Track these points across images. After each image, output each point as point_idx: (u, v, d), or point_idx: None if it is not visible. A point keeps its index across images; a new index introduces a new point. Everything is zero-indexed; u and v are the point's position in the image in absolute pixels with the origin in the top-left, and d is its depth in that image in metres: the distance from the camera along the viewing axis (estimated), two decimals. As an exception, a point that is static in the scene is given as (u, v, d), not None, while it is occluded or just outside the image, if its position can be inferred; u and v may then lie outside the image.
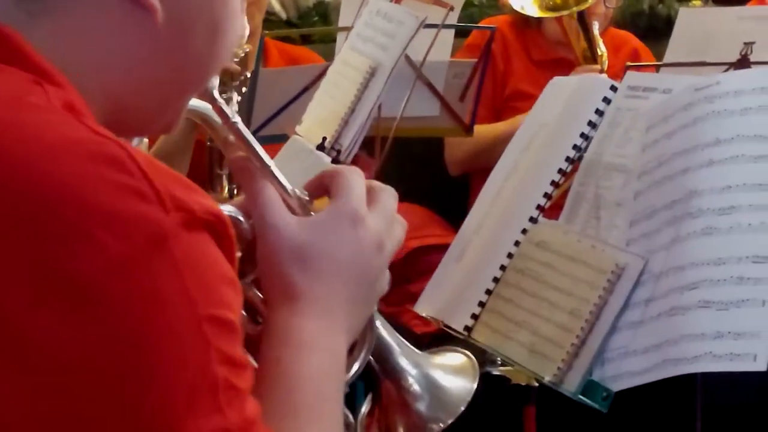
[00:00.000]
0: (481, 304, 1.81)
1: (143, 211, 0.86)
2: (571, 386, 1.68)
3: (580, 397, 1.68)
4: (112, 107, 1.00)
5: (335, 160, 2.32)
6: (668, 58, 2.83)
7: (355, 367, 1.15)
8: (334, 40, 3.12)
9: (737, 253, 1.65)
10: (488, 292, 1.81)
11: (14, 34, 0.95)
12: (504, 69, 3.23)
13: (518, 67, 3.29)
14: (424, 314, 1.92)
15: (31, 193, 0.86)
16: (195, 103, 1.11)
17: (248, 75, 2.66)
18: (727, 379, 2.09)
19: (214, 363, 0.88)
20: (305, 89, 2.59)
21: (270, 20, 3.97)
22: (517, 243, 1.83)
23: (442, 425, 1.22)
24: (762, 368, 1.57)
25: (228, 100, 2.59)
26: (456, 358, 1.31)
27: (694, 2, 3.91)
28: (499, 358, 1.92)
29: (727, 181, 1.69)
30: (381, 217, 1.11)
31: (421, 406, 1.23)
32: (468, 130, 2.82)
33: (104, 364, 0.85)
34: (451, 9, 2.64)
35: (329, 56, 2.65)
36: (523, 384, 1.93)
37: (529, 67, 3.28)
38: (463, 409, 1.24)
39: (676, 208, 1.72)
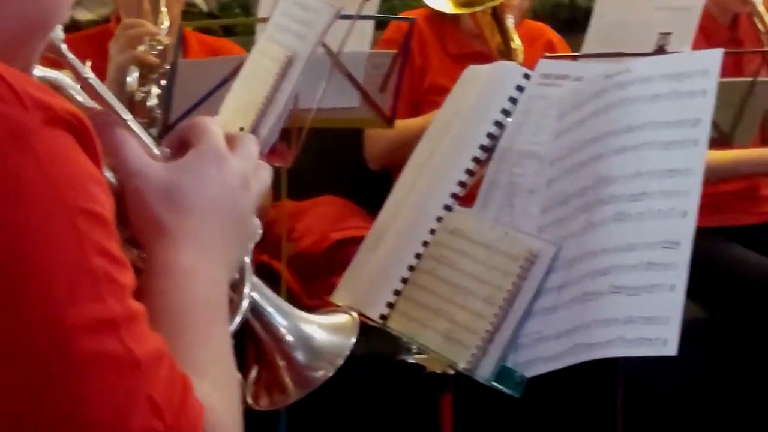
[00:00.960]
0: (397, 293, 1.80)
1: (6, 110, 0.86)
2: (485, 373, 1.68)
3: (494, 383, 1.69)
4: None
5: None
6: (586, 49, 2.82)
7: (238, 317, 1.16)
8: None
9: (648, 239, 1.66)
10: (404, 280, 1.81)
11: None
12: (421, 63, 3.20)
13: (435, 62, 3.27)
14: (340, 304, 1.90)
15: None
16: (48, 72, 1.08)
17: (168, 68, 2.62)
18: (649, 367, 2.13)
19: (91, 254, 0.88)
20: (224, 81, 2.49)
21: (190, 12, 3.88)
22: (432, 231, 1.81)
23: (323, 373, 1.24)
24: (672, 353, 1.57)
25: (147, 93, 2.57)
26: (337, 317, 1.35)
27: None
28: (414, 346, 1.89)
29: (638, 168, 1.69)
30: (244, 159, 1.11)
31: (299, 356, 1.25)
32: (389, 122, 2.75)
33: None
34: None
35: (250, 48, 2.56)
36: (439, 372, 1.88)
37: (446, 61, 3.23)
38: (341, 361, 1.26)
39: (588, 195, 1.72)
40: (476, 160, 1.83)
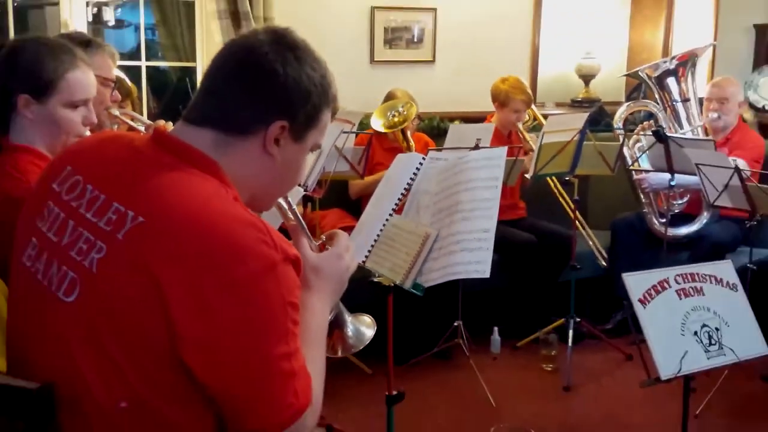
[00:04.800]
0: (369, 251, 2.26)
1: (269, 252, 1.13)
2: (407, 284, 2.19)
3: (411, 289, 2.20)
4: (248, 201, 1.23)
5: (305, 190, 2.84)
6: (446, 145, 3.62)
7: (330, 318, 1.41)
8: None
9: (476, 227, 2.21)
10: (372, 246, 2.25)
11: (215, 162, 1.23)
12: (372, 152, 3.77)
13: (378, 151, 4.03)
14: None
15: (222, 238, 1.12)
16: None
17: None
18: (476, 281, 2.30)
19: (289, 324, 1.15)
20: None
21: None
22: (384, 224, 2.25)
23: (356, 348, 1.55)
24: (487, 276, 2.11)
25: None
26: (367, 318, 1.62)
27: (457, 122, 4.48)
28: (377, 273, 2.27)
29: (473, 197, 2.25)
30: (350, 257, 1.39)
31: (350, 340, 1.55)
32: (362, 177, 3.59)
33: (247, 320, 1.11)
34: (353, 124, 3.41)
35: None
36: (387, 284, 2.27)
37: (382, 151, 4.05)
38: (368, 341, 1.55)
39: (451, 209, 2.26)
40: (402, 194, 2.30)
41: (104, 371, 1.14)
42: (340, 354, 1.53)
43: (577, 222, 3.96)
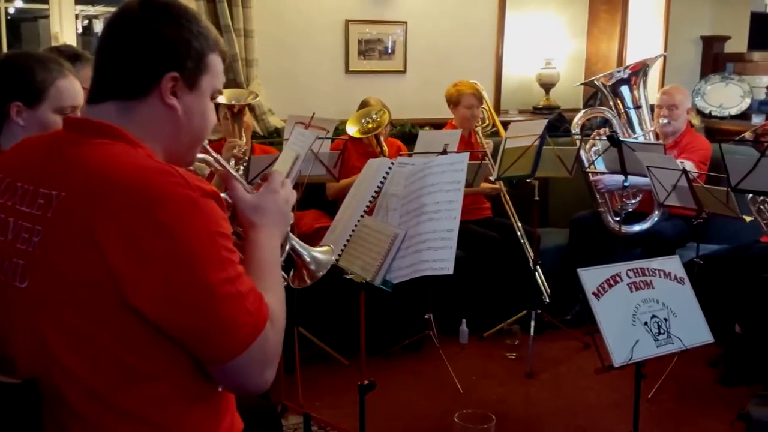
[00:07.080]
0: (342, 249, 2.25)
1: (185, 191, 1.13)
2: (378, 281, 2.22)
3: (381, 285, 2.21)
4: (167, 159, 1.24)
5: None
6: (416, 149, 3.61)
7: (283, 255, 1.39)
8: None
9: (440, 227, 2.21)
10: (345, 244, 2.26)
11: (119, 128, 1.23)
12: (348, 156, 3.78)
13: (353, 155, 4.02)
14: (320, 254, 1.94)
15: (138, 188, 1.13)
16: (200, 155, 1.36)
17: (246, 159, 3.17)
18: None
19: (222, 250, 1.14)
20: (270, 164, 3.14)
21: (255, 134, 4.04)
22: (356, 224, 2.27)
23: (321, 273, 1.53)
24: (450, 272, 2.12)
25: (239, 168, 3.13)
26: (325, 248, 1.61)
27: (427, 128, 4.47)
28: (349, 271, 2.30)
29: (437, 200, 2.25)
30: (286, 190, 1.39)
31: (312, 266, 1.53)
32: (338, 180, 3.53)
33: (179, 256, 1.11)
34: (327, 131, 3.45)
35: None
36: (359, 281, 2.31)
37: (357, 156, 4.02)
38: (329, 267, 1.54)
39: (417, 210, 2.26)
40: (373, 197, 2.31)
41: (74, 344, 1.15)
42: (308, 282, 1.52)
43: (518, 232, 4.05)
